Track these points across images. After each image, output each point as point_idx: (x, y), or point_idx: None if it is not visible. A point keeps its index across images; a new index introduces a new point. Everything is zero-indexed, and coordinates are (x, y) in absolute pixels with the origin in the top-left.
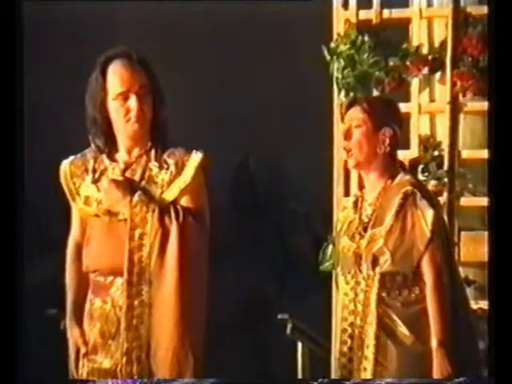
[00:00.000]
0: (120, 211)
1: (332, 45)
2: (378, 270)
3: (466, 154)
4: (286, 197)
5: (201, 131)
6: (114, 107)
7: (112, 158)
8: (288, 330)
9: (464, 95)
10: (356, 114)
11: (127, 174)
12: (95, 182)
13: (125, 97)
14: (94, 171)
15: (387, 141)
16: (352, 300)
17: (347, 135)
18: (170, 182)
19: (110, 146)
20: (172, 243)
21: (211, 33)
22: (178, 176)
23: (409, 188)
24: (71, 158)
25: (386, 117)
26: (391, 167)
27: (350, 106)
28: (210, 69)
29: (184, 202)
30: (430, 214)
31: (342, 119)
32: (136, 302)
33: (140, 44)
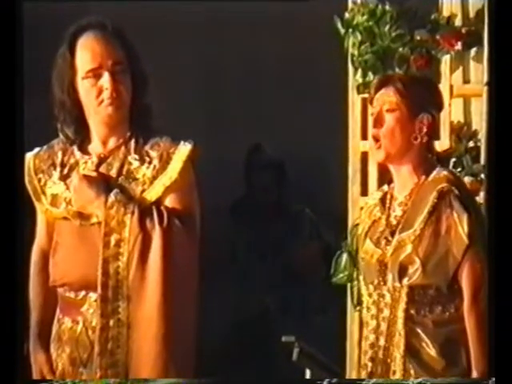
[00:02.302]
0: (93, 213)
1: (347, 15)
2: (405, 281)
3: None
4: (289, 197)
5: (191, 118)
6: (84, 87)
7: (84, 150)
8: (294, 355)
9: None
10: (388, 95)
11: (102, 169)
12: (64, 178)
13: (96, 74)
14: (63, 166)
15: (424, 129)
16: (375, 316)
17: (377, 121)
18: (153, 179)
19: (81, 136)
20: (154, 251)
21: (209, 21)
22: (163, 171)
23: (444, 185)
24: (36, 150)
25: (425, 100)
26: (427, 160)
27: (380, 85)
28: (207, 50)
29: (169, 202)
30: (467, 215)
31: (371, 102)
32: (112, 322)
33: (141, 43)
